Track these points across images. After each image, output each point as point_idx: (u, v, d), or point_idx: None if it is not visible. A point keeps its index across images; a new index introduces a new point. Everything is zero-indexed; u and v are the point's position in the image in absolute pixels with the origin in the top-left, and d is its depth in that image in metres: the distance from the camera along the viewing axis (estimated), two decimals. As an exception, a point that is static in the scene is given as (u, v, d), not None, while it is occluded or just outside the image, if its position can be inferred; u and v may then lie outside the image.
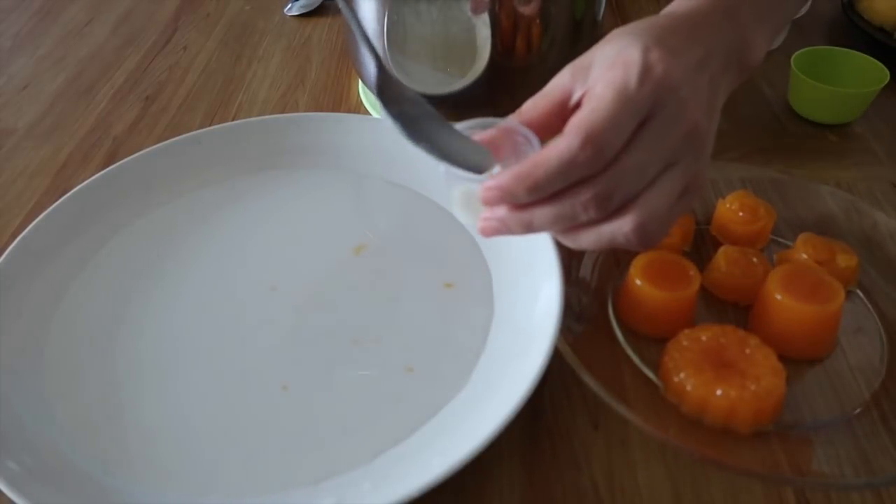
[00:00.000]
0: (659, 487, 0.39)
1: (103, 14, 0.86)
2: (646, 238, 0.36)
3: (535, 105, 0.37)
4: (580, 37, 0.58)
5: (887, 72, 0.62)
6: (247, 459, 0.39)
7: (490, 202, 0.36)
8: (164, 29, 0.82)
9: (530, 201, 0.36)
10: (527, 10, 0.53)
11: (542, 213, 0.36)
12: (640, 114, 0.34)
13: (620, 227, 0.36)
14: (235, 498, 0.38)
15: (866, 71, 0.64)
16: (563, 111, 0.36)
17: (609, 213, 0.35)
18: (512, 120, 0.37)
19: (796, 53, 0.65)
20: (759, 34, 0.39)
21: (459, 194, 0.40)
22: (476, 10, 0.53)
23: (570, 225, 0.36)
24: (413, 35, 0.55)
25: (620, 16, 0.82)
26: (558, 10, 0.55)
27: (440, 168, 0.38)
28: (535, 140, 0.36)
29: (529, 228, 0.37)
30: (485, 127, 0.37)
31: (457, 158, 0.37)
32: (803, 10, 0.73)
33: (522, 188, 0.35)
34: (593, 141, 0.33)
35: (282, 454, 0.40)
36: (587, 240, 0.37)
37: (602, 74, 0.35)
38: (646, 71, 0.34)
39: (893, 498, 0.38)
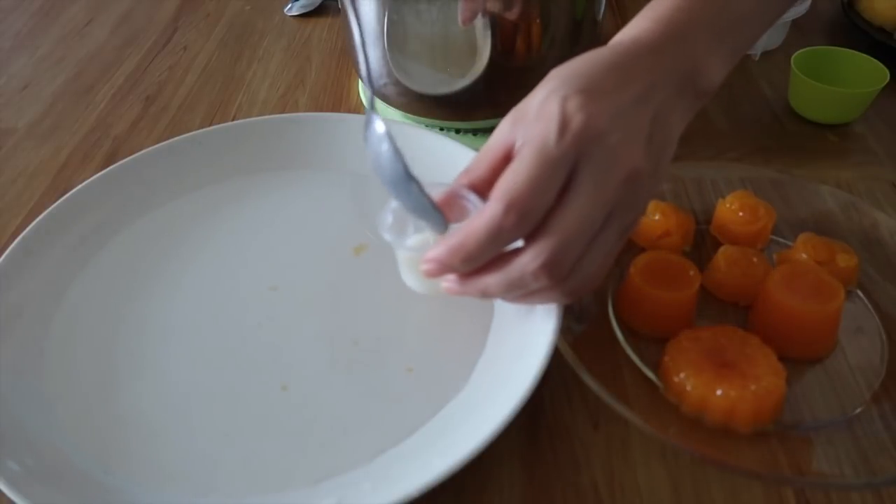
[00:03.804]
0: (659, 487, 0.39)
1: (103, 14, 0.86)
2: (578, 295, 0.37)
3: (480, 162, 0.37)
4: (580, 37, 0.58)
5: (887, 72, 0.62)
6: (247, 459, 0.39)
7: (431, 275, 0.37)
8: (164, 29, 0.82)
9: (474, 269, 0.36)
10: (511, 16, 0.53)
11: (493, 281, 0.36)
12: (564, 171, 0.33)
13: (556, 298, 0.37)
14: (235, 497, 0.38)
15: (866, 71, 0.64)
16: (508, 164, 0.35)
17: (563, 277, 0.35)
18: (459, 183, 0.37)
19: (796, 53, 0.65)
20: (714, 58, 0.38)
21: (405, 259, 0.42)
22: (464, 23, 0.53)
23: (526, 293, 0.37)
24: (413, 35, 0.55)
25: (620, 15, 0.82)
26: (558, 10, 0.55)
27: (385, 236, 0.40)
28: (479, 204, 0.36)
29: (486, 295, 0.37)
30: (435, 190, 0.38)
31: (424, 212, 0.37)
32: (803, 10, 0.73)
33: (458, 260, 0.35)
34: (515, 207, 0.33)
35: (282, 454, 0.40)
36: (528, 303, 0.39)
37: (527, 130, 0.34)
38: (564, 125, 0.33)
39: (893, 498, 0.38)
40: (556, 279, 0.35)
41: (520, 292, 0.36)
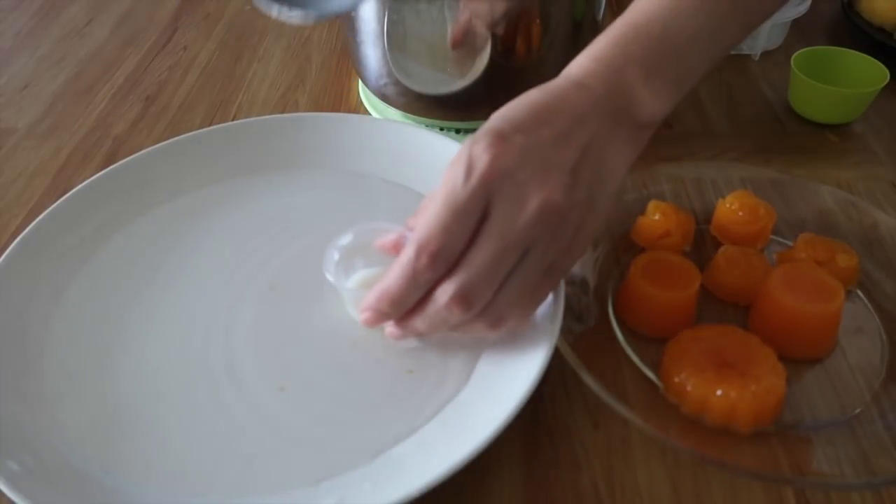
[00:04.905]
0: (659, 487, 0.39)
1: (103, 14, 0.86)
2: (505, 326, 0.37)
3: (427, 204, 0.38)
4: (580, 37, 0.58)
5: (887, 72, 0.62)
6: (246, 459, 0.39)
7: (369, 323, 0.39)
8: (164, 29, 0.82)
9: (404, 312, 0.38)
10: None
11: (420, 321, 0.38)
12: (474, 212, 0.34)
13: (483, 330, 0.37)
14: (235, 498, 0.38)
15: (866, 71, 0.64)
16: None
17: (478, 310, 0.36)
18: (409, 225, 0.39)
19: (796, 53, 0.65)
20: (651, 90, 0.38)
21: (348, 297, 0.44)
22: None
23: (452, 327, 0.38)
24: (413, 35, 0.55)
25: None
26: (558, 10, 0.55)
27: (327, 276, 0.42)
28: None
29: (419, 334, 0.39)
30: (386, 233, 0.41)
31: None
32: (803, 10, 0.73)
33: (386, 305, 0.37)
34: (426, 250, 0.34)
35: (282, 454, 0.40)
36: (466, 335, 0.40)
37: (444, 175, 0.35)
38: (469, 168, 0.34)
39: (893, 498, 0.38)
40: (470, 312, 0.36)
41: (445, 327, 0.38)
